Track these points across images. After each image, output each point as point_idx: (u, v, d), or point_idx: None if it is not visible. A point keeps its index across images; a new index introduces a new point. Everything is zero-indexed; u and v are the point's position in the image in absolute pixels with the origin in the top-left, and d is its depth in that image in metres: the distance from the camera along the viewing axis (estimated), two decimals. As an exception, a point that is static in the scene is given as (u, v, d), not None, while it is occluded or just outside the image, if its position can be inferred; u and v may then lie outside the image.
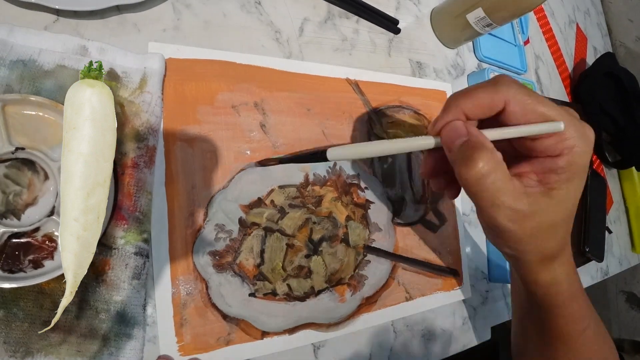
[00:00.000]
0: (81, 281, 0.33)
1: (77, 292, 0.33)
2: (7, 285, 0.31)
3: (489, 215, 0.30)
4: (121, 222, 0.36)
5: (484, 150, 0.29)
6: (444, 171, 0.36)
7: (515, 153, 0.34)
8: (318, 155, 0.36)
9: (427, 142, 0.32)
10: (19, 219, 0.33)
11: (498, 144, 0.30)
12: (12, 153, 0.32)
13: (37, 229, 0.33)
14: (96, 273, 0.35)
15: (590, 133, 0.31)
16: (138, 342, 0.36)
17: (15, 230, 0.32)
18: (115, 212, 0.36)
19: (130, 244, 0.36)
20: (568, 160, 0.30)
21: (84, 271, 0.26)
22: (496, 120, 0.32)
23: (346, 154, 0.35)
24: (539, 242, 0.32)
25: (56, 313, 0.33)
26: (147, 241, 0.37)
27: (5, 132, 0.32)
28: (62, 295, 0.33)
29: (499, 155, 0.29)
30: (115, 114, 0.28)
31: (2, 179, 0.32)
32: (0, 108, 0.31)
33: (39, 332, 0.31)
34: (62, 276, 0.33)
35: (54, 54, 0.34)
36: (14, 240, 0.32)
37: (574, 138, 0.30)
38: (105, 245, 0.35)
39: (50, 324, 0.29)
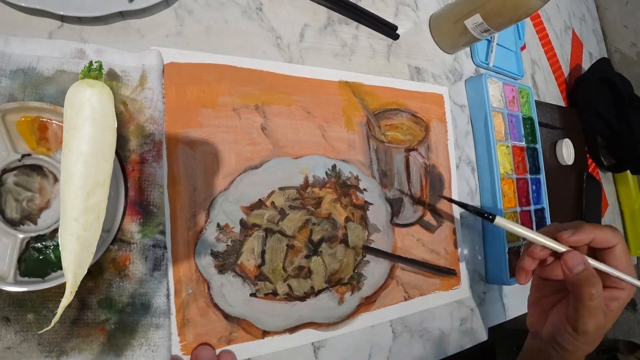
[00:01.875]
0: (105, 278, 0.34)
1: (102, 288, 0.34)
2: (27, 289, 0.31)
3: (585, 322, 0.41)
4: (136, 216, 0.36)
5: (598, 281, 0.41)
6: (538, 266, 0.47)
7: None
8: (484, 216, 0.48)
9: (559, 247, 0.44)
10: (35, 223, 0.33)
11: None
12: (19, 160, 0.32)
13: (55, 231, 0.33)
14: (118, 269, 0.35)
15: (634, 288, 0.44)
16: (166, 331, 0.36)
17: (34, 234, 0.32)
18: (129, 207, 0.36)
19: (148, 237, 0.36)
20: (626, 295, 0.43)
21: (84, 271, 0.26)
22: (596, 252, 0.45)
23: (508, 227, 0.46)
24: (592, 344, 0.43)
25: (82, 310, 0.33)
26: (163, 233, 0.37)
27: (9, 141, 0.32)
28: (88, 293, 0.33)
29: (601, 283, 0.41)
30: (115, 113, 0.27)
31: (13, 187, 0.32)
32: (0, 118, 0.31)
33: (39, 332, 0.31)
34: (85, 277, 0.33)
35: (52, 60, 0.34)
36: (34, 244, 0.32)
37: (630, 286, 0.43)
38: (123, 241, 0.35)
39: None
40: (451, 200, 0.55)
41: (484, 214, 0.47)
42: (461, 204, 0.50)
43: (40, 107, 0.32)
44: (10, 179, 0.32)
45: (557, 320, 0.45)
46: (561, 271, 0.43)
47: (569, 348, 0.43)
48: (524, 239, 0.48)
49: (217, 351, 0.39)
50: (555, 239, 0.44)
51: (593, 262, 0.43)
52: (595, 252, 0.45)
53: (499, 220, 0.47)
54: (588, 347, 0.43)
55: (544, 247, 0.45)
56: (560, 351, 0.44)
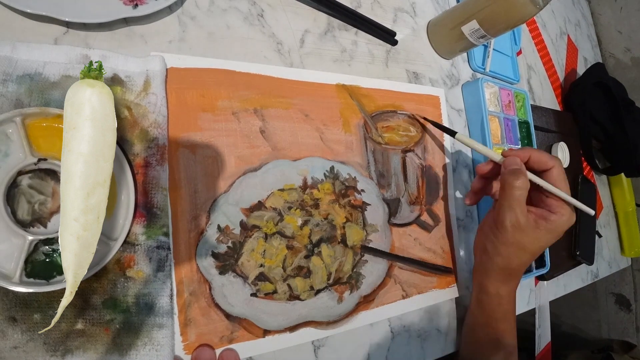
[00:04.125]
0: (109, 278, 0.34)
1: (107, 288, 0.34)
2: (31, 290, 0.31)
3: (502, 212, 0.43)
4: (141, 219, 0.36)
5: (523, 176, 0.44)
6: (488, 180, 0.51)
7: (532, 199, 0.48)
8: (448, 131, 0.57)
9: (499, 157, 0.48)
10: (45, 226, 0.33)
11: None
12: (35, 164, 0.32)
13: None
14: (122, 270, 0.35)
15: (573, 219, 0.46)
16: (169, 331, 0.36)
17: (42, 237, 0.32)
18: (135, 210, 0.36)
19: (152, 238, 0.36)
20: (557, 219, 0.45)
21: (84, 271, 0.25)
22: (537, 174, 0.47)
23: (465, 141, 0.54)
24: (511, 251, 0.44)
25: (87, 310, 0.33)
26: (167, 234, 0.37)
27: (27, 144, 0.32)
28: (93, 293, 0.33)
29: (529, 183, 0.44)
30: (115, 113, 0.27)
31: (27, 190, 0.32)
32: (20, 121, 0.31)
33: (39, 332, 0.31)
34: (90, 278, 0.33)
35: (58, 65, 0.34)
36: (42, 247, 0.32)
37: (568, 214, 0.46)
38: (128, 242, 0.35)
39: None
40: (426, 120, 0.58)
41: (448, 130, 0.57)
42: (434, 124, 0.58)
43: (59, 114, 0.32)
44: (24, 181, 0.32)
45: (486, 229, 0.47)
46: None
47: (489, 247, 0.46)
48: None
49: (218, 351, 0.39)
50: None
51: (531, 175, 0.46)
52: (537, 175, 0.47)
53: (459, 136, 0.54)
54: (506, 254, 0.45)
55: (489, 164, 0.50)
56: (485, 257, 0.47)
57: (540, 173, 0.47)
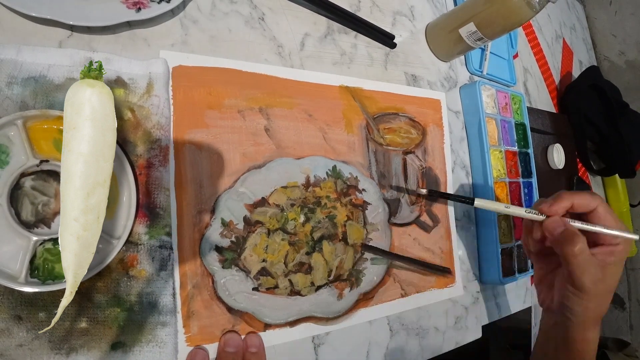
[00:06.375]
0: (113, 277, 0.33)
1: (110, 287, 0.33)
2: (37, 289, 0.30)
3: (579, 278, 0.40)
4: (143, 219, 0.35)
5: (579, 239, 0.40)
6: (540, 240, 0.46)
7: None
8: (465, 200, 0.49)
9: (539, 217, 0.44)
10: (49, 227, 0.32)
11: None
12: (37, 166, 0.32)
13: None
14: (126, 269, 0.34)
15: (630, 243, 0.44)
16: (172, 328, 0.35)
17: (46, 237, 0.31)
18: (137, 210, 0.35)
19: (155, 238, 0.36)
20: (622, 249, 0.42)
21: (84, 271, 0.24)
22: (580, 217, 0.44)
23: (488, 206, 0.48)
24: (600, 301, 0.42)
25: (92, 309, 0.32)
26: (169, 234, 0.36)
27: (29, 146, 0.31)
28: (97, 292, 0.33)
29: (586, 242, 0.41)
30: (115, 113, 0.26)
31: (30, 191, 0.32)
32: (22, 124, 0.31)
33: (40, 332, 0.30)
34: (94, 277, 0.33)
35: (62, 68, 0.33)
36: (46, 247, 0.32)
37: (627, 241, 0.43)
38: (131, 242, 0.35)
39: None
40: (434, 193, 0.56)
41: (464, 199, 0.49)
42: (443, 195, 0.55)
43: (60, 115, 0.31)
44: (27, 182, 0.32)
45: (560, 287, 0.44)
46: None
47: (577, 308, 0.42)
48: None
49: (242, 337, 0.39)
50: (539, 212, 0.45)
51: (578, 225, 0.43)
52: (582, 217, 0.44)
53: (478, 202, 0.48)
54: (596, 305, 0.42)
55: (537, 229, 0.45)
56: (571, 315, 0.43)
57: (586, 215, 0.44)
